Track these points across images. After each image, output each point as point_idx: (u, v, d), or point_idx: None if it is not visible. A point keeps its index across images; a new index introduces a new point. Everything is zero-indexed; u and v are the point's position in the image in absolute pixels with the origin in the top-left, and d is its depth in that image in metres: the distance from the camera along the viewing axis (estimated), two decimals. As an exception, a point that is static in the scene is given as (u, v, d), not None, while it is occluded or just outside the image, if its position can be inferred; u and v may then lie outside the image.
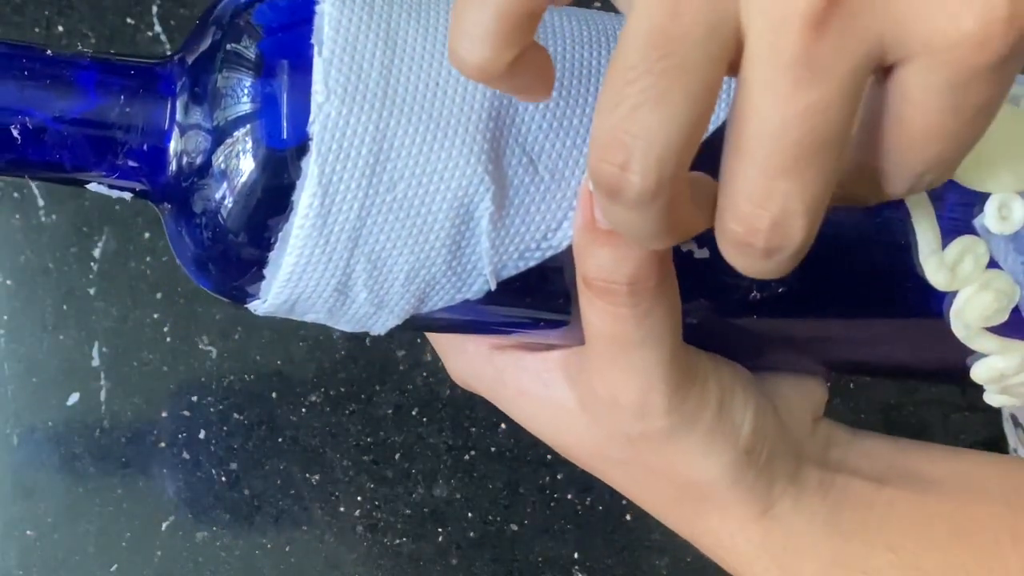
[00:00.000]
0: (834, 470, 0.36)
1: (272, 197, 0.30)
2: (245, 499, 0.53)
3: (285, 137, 0.29)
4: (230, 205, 0.30)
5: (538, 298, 0.32)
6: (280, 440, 0.53)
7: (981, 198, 0.33)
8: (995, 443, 0.56)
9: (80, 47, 0.56)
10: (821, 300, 0.34)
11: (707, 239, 0.31)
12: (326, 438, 0.54)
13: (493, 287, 0.31)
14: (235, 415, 0.53)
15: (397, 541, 0.53)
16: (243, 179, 0.30)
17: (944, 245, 0.33)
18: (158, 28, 0.57)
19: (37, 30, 0.56)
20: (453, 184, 0.30)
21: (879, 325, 0.35)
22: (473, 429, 0.55)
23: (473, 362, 0.37)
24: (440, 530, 0.53)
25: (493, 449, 0.55)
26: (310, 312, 0.32)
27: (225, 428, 0.53)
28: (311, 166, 0.29)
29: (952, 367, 0.35)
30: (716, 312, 0.34)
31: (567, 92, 0.30)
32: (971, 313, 0.33)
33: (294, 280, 0.31)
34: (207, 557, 0.52)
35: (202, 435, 0.53)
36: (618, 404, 0.33)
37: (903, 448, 0.37)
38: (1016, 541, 0.35)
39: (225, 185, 0.30)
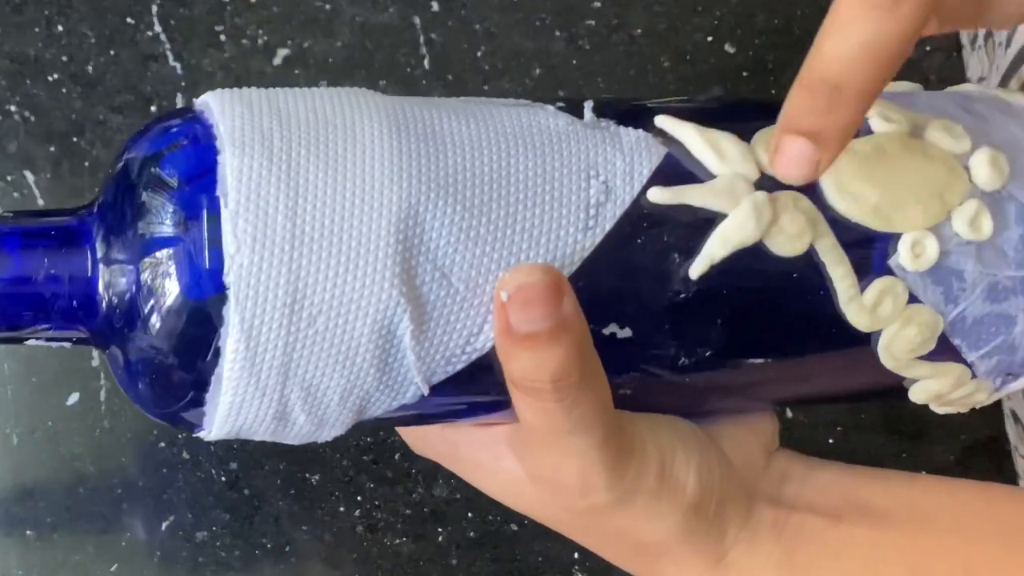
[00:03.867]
0: (788, 508, 0.36)
1: (198, 344, 0.31)
2: (245, 499, 0.53)
3: (203, 288, 0.31)
4: (161, 351, 0.31)
5: (473, 392, 0.34)
6: (280, 440, 0.53)
7: (894, 238, 0.33)
8: (996, 441, 0.56)
9: (80, 46, 0.56)
10: (750, 355, 0.35)
11: (628, 319, 0.32)
12: (326, 438, 0.54)
13: (426, 393, 0.32)
14: (235, 415, 0.53)
15: (397, 541, 0.53)
16: (169, 327, 0.31)
17: (863, 288, 0.33)
18: (158, 28, 0.57)
19: (37, 30, 0.56)
20: (371, 310, 0.31)
21: (812, 366, 0.36)
22: (473, 429, 0.55)
23: (428, 437, 0.38)
24: (440, 530, 0.53)
25: (493, 449, 0.55)
26: (255, 436, 0.33)
27: (225, 428, 0.53)
28: (231, 315, 0.30)
29: (891, 390, 0.36)
30: (648, 380, 0.34)
31: (471, 203, 0.31)
32: (898, 348, 0.34)
33: (233, 415, 0.32)
34: (207, 557, 0.52)
35: (202, 435, 0.53)
36: (560, 484, 0.34)
37: (859, 479, 0.37)
38: (969, 573, 0.35)
39: (153, 333, 0.31)
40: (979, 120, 0.35)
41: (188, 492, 0.53)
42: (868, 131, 0.34)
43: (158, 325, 0.31)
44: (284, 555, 0.53)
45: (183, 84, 0.56)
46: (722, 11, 0.59)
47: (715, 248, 0.32)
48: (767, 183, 0.33)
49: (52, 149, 0.55)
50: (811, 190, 0.33)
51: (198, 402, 0.32)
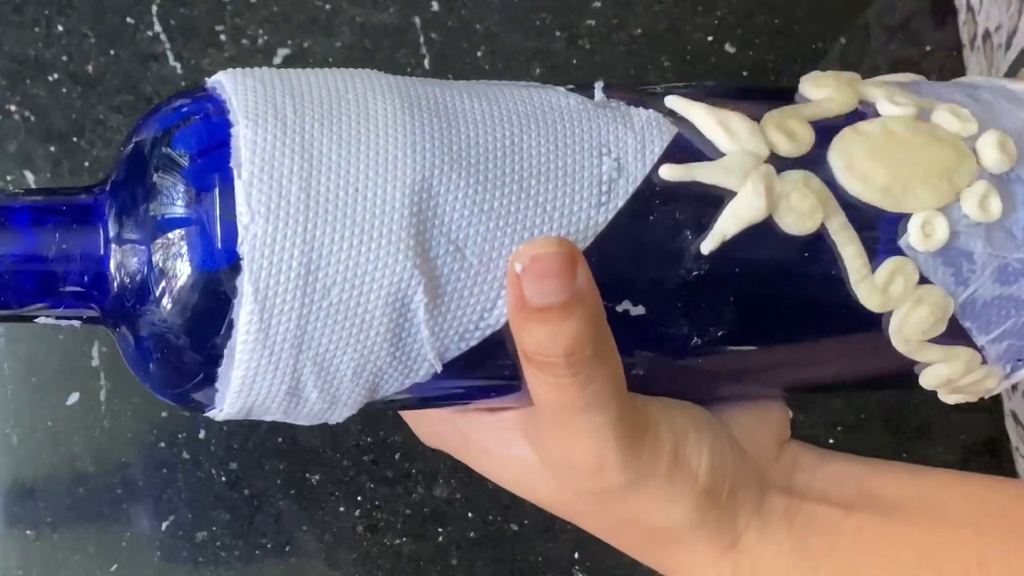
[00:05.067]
0: (800, 496, 0.36)
1: (212, 318, 0.31)
2: (245, 499, 0.53)
3: (217, 260, 0.30)
4: (174, 328, 0.31)
5: (485, 371, 0.33)
6: (280, 440, 0.53)
7: (904, 219, 0.33)
8: (996, 442, 0.56)
9: (80, 46, 0.56)
10: (762, 336, 0.35)
11: (641, 296, 0.32)
12: (326, 438, 0.54)
13: (439, 370, 0.32)
14: (235, 415, 0.53)
15: (397, 541, 0.53)
16: (182, 303, 0.31)
17: (874, 268, 0.33)
18: (158, 28, 0.57)
19: (37, 30, 0.56)
20: (385, 282, 0.31)
21: (823, 350, 0.36)
22: (473, 429, 0.55)
23: (437, 426, 0.38)
24: (440, 530, 0.53)
25: (493, 449, 0.55)
26: (266, 415, 0.33)
27: (225, 428, 0.53)
28: (245, 285, 0.30)
29: (901, 375, 0.36)
30: (661, 361, 0.34)
31: (484, 177, 0.31)
32: (909, 329, 0.34)
33: (245, 391, 0.32)
34: (207, 557, 0.52)
35: (202, 435, 0.53)
36: (574, 465, 0.33)
37: (871, 470, 0.37)
38: (982, 566, 0.35)
39: (166, 309, 0.31)
40: (985, 107, 0.35)
41: (188, 492, 0.53)
42: (876, 114, 0.35)
43: (171, 300, 0.31)
44: (284, 555, 0.53)
45: (183, 84, 0.56)
46: (722, 11, 0.59)
47: (726, 224, 0.32)
48: (777, 162, 0.33)
49: (52, 149, 0.55)
50: (821, 169, 0.33)
51: (210, 379, 0.32)
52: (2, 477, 0.52)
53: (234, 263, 0.30)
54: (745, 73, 0.59)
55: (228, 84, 0.32)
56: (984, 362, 0.35)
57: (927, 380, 0.36)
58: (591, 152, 0.32)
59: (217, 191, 0.30)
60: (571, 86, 0.35)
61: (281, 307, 0.30)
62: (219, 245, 0.30)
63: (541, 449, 0.35)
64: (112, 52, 0.56)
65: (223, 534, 0.53)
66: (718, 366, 0.35)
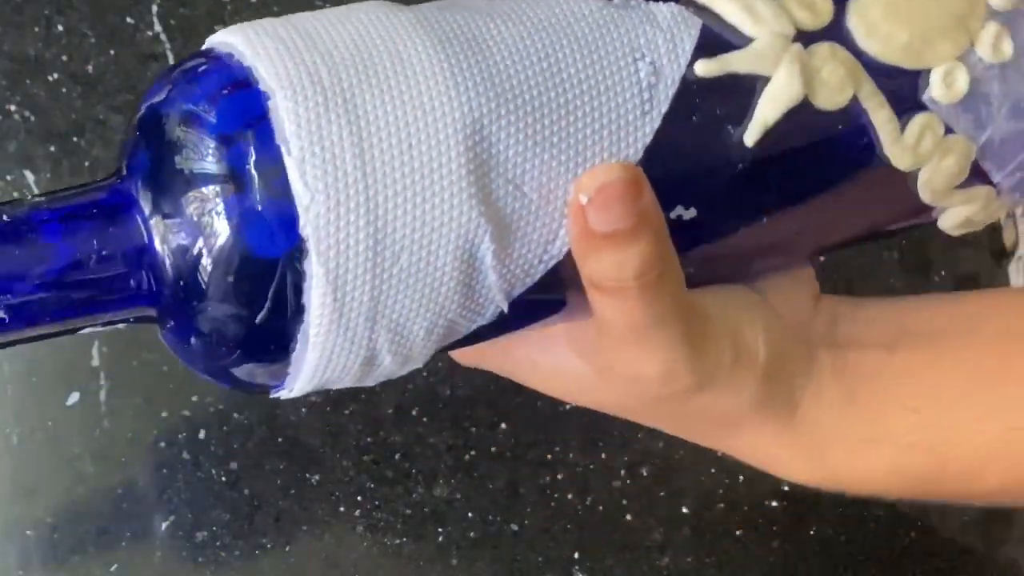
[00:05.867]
0: (844, 347, 0.37)
1: (281, 304, 0.29)
2: (245, 499, 0.53)
3: (279, 245, 0.29)
4: (242, 321, 0.29)
5: (545, 299, 0.33)
6: (280, 440, 0.53)
7: (925, 73, 0.34)
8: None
9: (80, 46, 0.56)
10: (802, 211, 0.35)
11: (693, 199, 0.32)
12: (326, 438, 0.54)
13: (506, 310, 0.32)
14: (235, 415, 0.53)
15: (397, 541, 0.53)
16: (246, 295, 0.29)
17: (902, 128, 0.34)
18: (158, 27, 0.57)
19: (37, 29, 0.56)
20: (452, 235, 0.30)
21: (855, 212, 0.36)
22: (473, 429, 0.55)
23: (477, 346, 0.37)
24: (440, 530, 0.53)
25: (493, 449, 0.55)
26: (337, 385, 0.32)
27: (225, 428, 0.53)
28: (314, 267, 0.29)
29: (921, 220, 0.37)
30: (711, 255, 0.34)
31: (531, 108, 0.31)
32: (938, 181, 0.35)
33: (320, 371, 0.30)
34: (207, 557, 0.52)
35: (202, 435, 0.53)
36: (642, 377, 0.34)
37: (907, 307, 0.38)
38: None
39: (230, 303, 0.29)
40: None
41: (188, 492, 0.53)
42: None
43: (233, 292, 0.29)
44: (284, 555, 0.53)
45: (183, 84, 0.56)
46: (722, 11, 0.59)
47: (766, 111, 0.32)
48: (803, 37, 0.33)
49: (52, 149, 0.55)
50: (843, 36, 0.34)
51: (283, 363, 0.30)
52: (2, 477, 0.52)
53: (298, 245, 0.28)
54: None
55: (246, 49, 0.30)
56: (998, 195, 0.36)
57: (946, 222, 0.36)
58: (626, 60, 0.32)
59: (268, 172, 0.28)
60: None
61: (354, 283, 0.29)
62: (280, 229, 0.28)
63: (602, 364, 0.34)
64: (112, 52, 0.56)
65: (223, 534, 0.52)
66: (760, 244, 0.35)
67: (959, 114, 0.34)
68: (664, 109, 0.32)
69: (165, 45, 0.57)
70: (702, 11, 0.33)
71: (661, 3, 0.33)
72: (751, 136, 0.32)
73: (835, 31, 0.33)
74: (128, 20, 0.57)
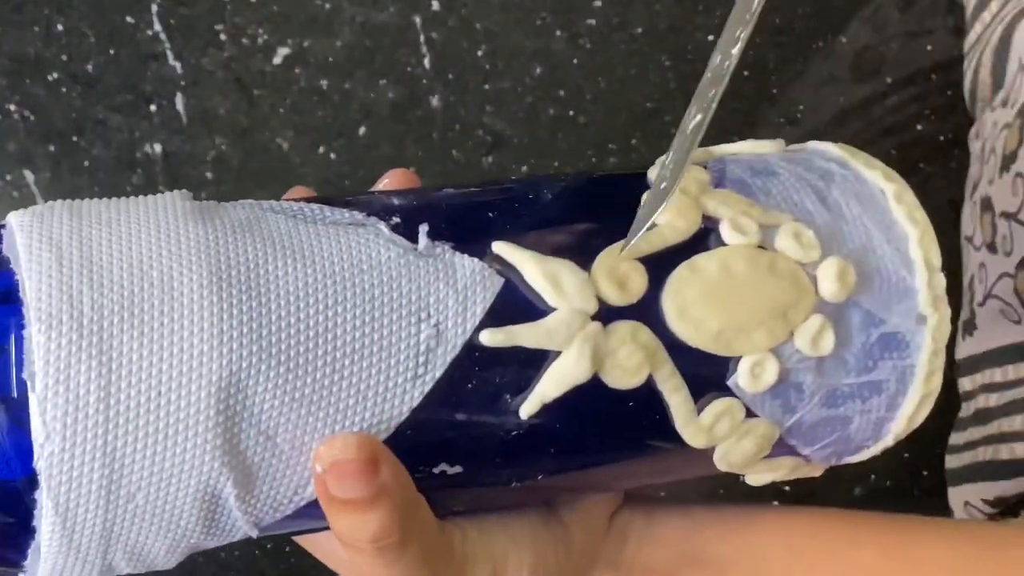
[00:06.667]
0: (626, 571, 0.37)
1: (14, 524, 0.30)
2: (245, 499, 0.53)
3: (14, 470, 0.29)
4: None
5: (303, 523, 0.33)
6: (280, 440, 0.53)
7: (735, 361, 0.33)
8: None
9: (80, 46, 0.56)
10: (584, 473, 0.35)
11: (459, 459, 0.32)
12: (326, 438, 0.54)
13: (255, 536, 0.32)
14: (235, 415, 0.53)
15: (397, 541, 0.53)
16: None
17: (700, 409, 0.33)
18: (158, 27, 0.57)
19: (37, 29, 0.56)
20: (192, 482, 0.30)
21: (651, 473, 0.36)
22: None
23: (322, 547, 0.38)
24: (440, 530, 0.53)
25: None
26: None
27: (225, 428, 0.53)
28: (44, 499, 0.29)
29: (726, 478, 0.37)
30: (482, 498, 0.35)
31: (295, 364, 0.30)
32: (735, 458, 0.34)
33: None
34: (207, 557, 0.52)
35: (202, 435, 0.53)
36: None
37: (697, 527, 0.38)
38: None
39: None
40: (834, 216, 0.35)
41: (188, 492, 0.53)
42: (719, 240, 0.34)
43: None
44: (284, 555, 0.53)
45: (183, 83, 0.56)
46: (723, 11, 0.59)
47: (548, 388, 0.32)
48: (606, 314, 0.32)
49: (52, 148, 0.55)
50: (651, 315, 0.33)
51: (18, 567, 0.31)
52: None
53: (31, 476, 0.29)
54: (746, 73, 0.59)
55: (23, 254, 0.30)
56: (808, 462, 0.36)
57: (753, 480, 0.36)
58: (409, 319, 0.31)
59: (12, 401, 0.29)
60: (396, 221, 0.33)
61: (84, 516, 0.30)
62: (17, 457, 0.29)
63: None
64: (112, 52, 0.56)
65: (223, 534, 0.52)
66: (539, 491, 0.35)
67: (766, 401, 0.33)
68: (439, 374, 0.31)
69: (165, 45, 0.57)
70: (510, 268, 0.32)
71: (467, 258, 0.32)
72: (527, 410, 0.32)
73: (645, 309, 0.32)
74: (128, 20, 0.57)
